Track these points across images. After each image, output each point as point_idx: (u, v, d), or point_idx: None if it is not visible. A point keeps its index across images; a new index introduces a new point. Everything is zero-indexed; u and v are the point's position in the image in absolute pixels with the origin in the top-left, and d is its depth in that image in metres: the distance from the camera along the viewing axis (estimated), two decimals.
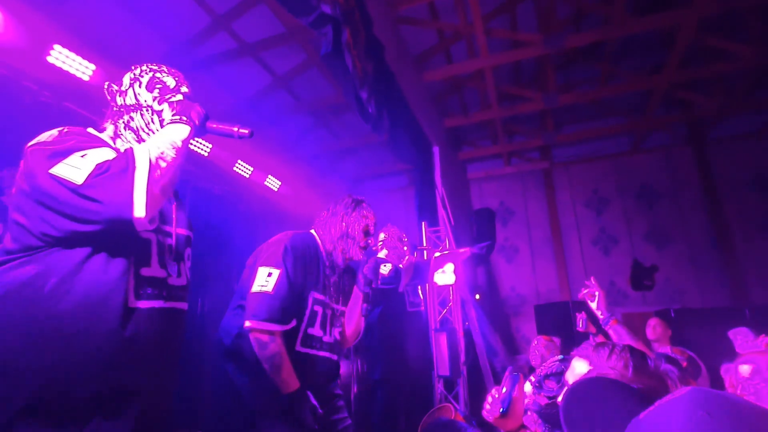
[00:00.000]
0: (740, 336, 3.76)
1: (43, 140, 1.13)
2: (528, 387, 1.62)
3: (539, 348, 4.03)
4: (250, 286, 1.78)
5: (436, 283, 4.96)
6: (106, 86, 1.36)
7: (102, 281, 1.08)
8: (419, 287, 3.94)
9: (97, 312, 1.06)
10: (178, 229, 1.33)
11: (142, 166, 1.07)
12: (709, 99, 6.89)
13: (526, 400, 1.52)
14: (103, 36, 4.15)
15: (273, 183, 5.88)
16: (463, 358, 4.81)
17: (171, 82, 1.38)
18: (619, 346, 1.15)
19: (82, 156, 1.07)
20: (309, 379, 1.78)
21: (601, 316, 2.19)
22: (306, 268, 1.87)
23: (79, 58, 3.39)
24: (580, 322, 3.35)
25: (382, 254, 3.48)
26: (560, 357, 1.78)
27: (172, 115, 1.24)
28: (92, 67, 3.47)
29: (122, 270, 1.12)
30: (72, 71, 3.37)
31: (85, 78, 3.45)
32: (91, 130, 1.30)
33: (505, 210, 8.86)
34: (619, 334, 2.06)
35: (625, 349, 1.14)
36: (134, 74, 1.37)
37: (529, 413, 1.54)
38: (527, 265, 8.51)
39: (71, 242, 1.08)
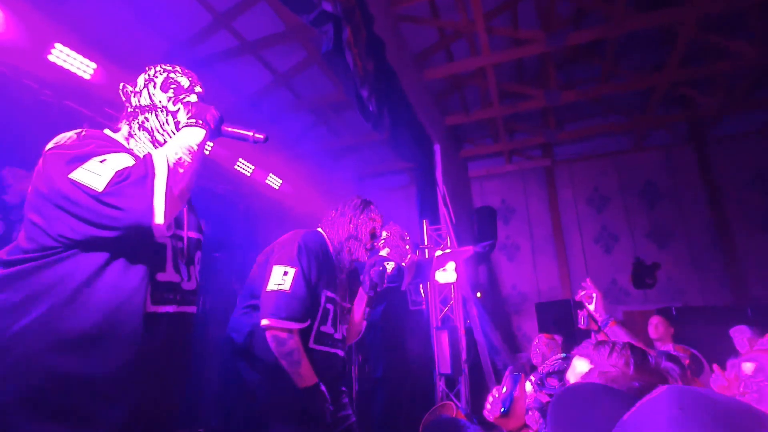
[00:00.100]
0: (738, 334, 3.77)
1: (61, 143, 1.13)
2: (529, 386, 1.63)
3: (540, 346, 4.03)
4: (265, 284, 1.79)
5: (437, 282, 4.96)
6: (121, 87, 1.36)
7: (122, 286, 1.09)
8: (421, 286, 3.94)
9: (117, 317, 1.07)
10: (189, 233, 1.33)
11: (161, 172, 1.07)
12: (710, 97, 6.87)
13: (527, 399, 1.52)
14: (103, 35, 4.14)
15: (274, 181, 5.89)
16: (464, 356, 4.81)
17: (185, 82, 1.38)
18: (619, 344, 1.15)
19: (101, 161, 1.07)
20: (321, 375, 1.80)
21: (600, 318, 2.15)
22: (319, 267, 1.90)
23: (80, 57, 3.39)
24: (582, 319, 3.35)
25: (383, 252, 3.48)
26: (562, 355, 1.79)
27: (188, 118, 1.24)
28: (93, 65, 3.47)
29: (141, 275, 1.13)
30: (73, 70, 3.37)
31: (86, 77, 3.45)
32: (107, 131, 1.30)
33: (507, 208, 8.85)
34: (617, 336, 2.04)
35: (626, 346, 1.14)
36: (148, 75, 1.36)
37: (530, 412, 1.54)
38: (528, 263, 8.51)
39: (89, 246, 1.08)
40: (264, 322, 1.72)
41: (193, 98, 1.35)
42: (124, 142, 1.30)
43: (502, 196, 8.92)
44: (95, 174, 1.04)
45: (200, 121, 1.23)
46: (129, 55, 3.92)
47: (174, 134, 1.31)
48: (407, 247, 3.56)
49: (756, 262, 7.08)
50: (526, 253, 8.57)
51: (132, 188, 1.03)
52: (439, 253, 4.66)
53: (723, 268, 7.27)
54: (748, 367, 1.71)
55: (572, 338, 4.94)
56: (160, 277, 1.19)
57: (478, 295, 7.11)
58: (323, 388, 1.76)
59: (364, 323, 2.20)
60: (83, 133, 1.17)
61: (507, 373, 1.37)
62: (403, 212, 7.67)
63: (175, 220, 1.28)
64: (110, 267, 1.09)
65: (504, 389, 1.33)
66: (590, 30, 5.34)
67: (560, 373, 1.56)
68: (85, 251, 1.08)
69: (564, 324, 5.88)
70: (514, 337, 8.16)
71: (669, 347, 3.64)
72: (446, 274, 4.86)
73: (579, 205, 8.40)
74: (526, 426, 1.33)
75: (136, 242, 1.10)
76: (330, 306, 1.94)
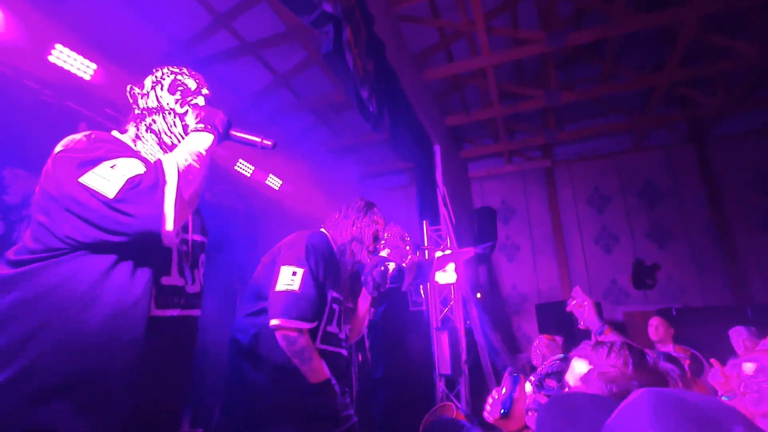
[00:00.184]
0: (735, 335, 3.79)
1: (71, 146, 1.12)
2: (529, 386, 1.62)
3: (541, 347, 4.03)
4: (273, 284, 1.80)
5: (437, 282, 4.96)
6: (128, 89, 1.36)
7: (128, 290, 1.09)
8: (421, 287, 3.94)
9: (122, 321, 1.07)
10: (193, 236, 1.33)
11: (172, 179, 1.07)
12: (710, 97, 6.87)
13: (527, 400, 1.52)
14: (104, 35, 4.14)
15: (274, 182, 5.89)
16: (464, 356, 4.81)
17: (192, 84, 1.38)
18: (617, 344, 1.15)
19: (111, 167, 1.07)
20: (330, 372, 1.82)
21: (594, 327, 2.07)
22: (326, 267, 1.91)
23: (80, 58, 3.39)
24: (581, 320, 3.34)
25: (384, 253, 3.48)
26: (561, 356, 1.78)
27: (196, 123, 1.24)
28: (93, 66, 3.47)
29: (147, 279, 1.13)
30: (73, 70, 3.37)
31: (86, 77, 3.46)
32: (115, 133, 1.30)
33: (507, 208, 8.85)
34: None
35: (624, 346, 1.14)
36: (156, 77, 1.36)
37: (530, 413, 1.54)
38: (529, 263, 8.51)
39: (96, 248, 1.08)
40: (274, 322, 1.73)
41: (201, 100, 1.36)
42: (132, 144, 1.30)
43: (502, 197, 8.92)
44: (106, 179, 1.04)
45: (209, 126, 1.23)
46: (129, 56, 3.92)
47: (181, 136, 1.31)
48: (407, 247, 3.56)
49: (756, 262, 7.07)
50: (526, 253, 8.57)
51: (143, 195, 1.04)
52: (439, 254, 4.66)
53: (723, 268, 7.27)
54: (748, 367, 1.71)
55: (572, 339, 4.94)
56: (165, 281, 1.19)
57: (478, 295, 7.11)
58: (334, 382, 1.79)
59: (366, 323, 2.21)
60: (92, 136, 1.16)
61: (506, 374, 1.37)
62: (403, 212, 7.67)
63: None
64: (116, 270, 1.09)
65: (503, 390, 1.33)
66: (590, 30, 5.34)
67: (558, 374, 1.56)
68: (92, 253, 1.08)
69: (564, 325, 5.88)
70: (514, 338, 8.16)
71: (669, 348, 3.64)
72: (446, 275, 4.86)
73: (579, 206, 8.39)
74: (526, 427, 1.32)
75: (142, 246, 1.10)
76: (336, 306, 1.96)
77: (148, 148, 1.31)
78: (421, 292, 3.95)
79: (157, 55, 5.00)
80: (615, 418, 0.60)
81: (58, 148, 1.13)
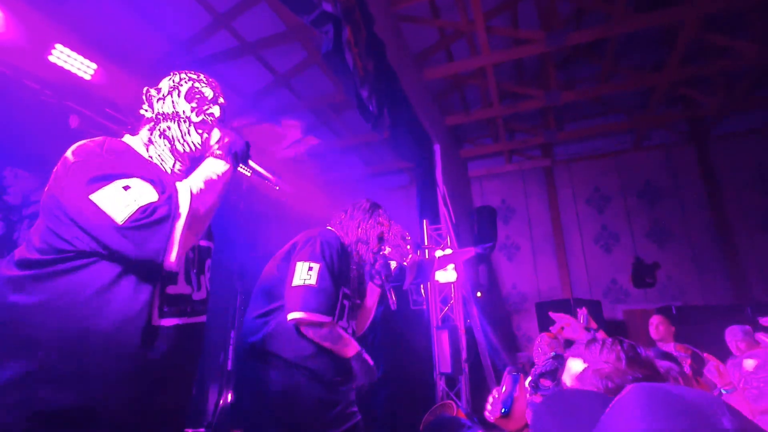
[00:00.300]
0: (730, 336, 3.79)
1: (83, 156, 1.11)
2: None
3: (543, 345, 4.02)
4: (288, 281, 1.81)
5: (437, 281, 4.96)
6: (144, 91, 1.35)
7: (133, 299, 1.09)
8: (421, 286, 3.94)
9: (126, 330, 1.07)
10: (200, 241, 1.33)
11: (184, 211, 1.07)
12: (710, 97, 6.87)
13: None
14: (104, 35, 4.15)
15: None
16: (464, 355, 4.81)
17: (209, 92, 1.37)
18: (609, 340, 1.16)
19: (125, 187, 1.06)
20: (338, 369, 1.84)
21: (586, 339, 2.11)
22: (340, 263, 1.93)
23: (80, 58, 3.39)
24: (581, 318, 3.35)
25: (385, 252, 3.48)
26: (552, 354, 1.79)
27: (217, 148, 1.24)
28: (93, 66, 3.47)
29: (152, 289, 1.13)
30: (73, 70, 3.38)
31: (87, 77, 3.46)
32: (127, 138, 1.29)
33: (507, 208, 8.86)
34: None
35: (616, 341, 1.14)
36: (174, 81, 1.35)
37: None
38: (528, 263, 8.52)
39: (102, 257, 1.09)
40: (294, 315, 1.73)
41: (216, 110, 1.35)
42: (144, 149, 1.29)
43: (502, 196, 8.92)
44: (117, 202, 1.03)
45: (229, 157, 1.24)
46: (129, 56, 3.93)
47: (195, 145, 1.31)
48: (408, 247, 3.56)
49: (756, 261, 7.08)
50: (526, 252, 8.58)
51: (152, 229, 1.03)
52: (440, 253, 4.66)
53: (723, 267, 7.28)
54: (749, 363, 1.72)
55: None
56: (171, 290, 1.19)
57: (479, 294, 7.11)
58: (365, 354, 1.88)
59: (372, 317, 2.25)
60: (105, 144, 1.15)
61: (506, 373, 1.37)
62: (403, 212, 7.67)
63: None
64: (123, 280, 1.09)
65: (504, 389, 1.33)
66: (590, 30, 5.34)
67: (553, 372, 1.57)
68: (100, 260, 1.08)
69: None
70: (513, 337, 8.16)
71: (670, 347, 3.65)
72: (446, 274, 4.87)
73: (579, 205, 8.40)
74: (527, 426, 1.32)
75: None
76: (346, 302, 1.99)
77: (161, 152, 1.30)
78: (422, 291, 3.96)
79: (157, 55, 5.01)
80: (608, 413, 0.61)
81: (69, 155, 1.12)
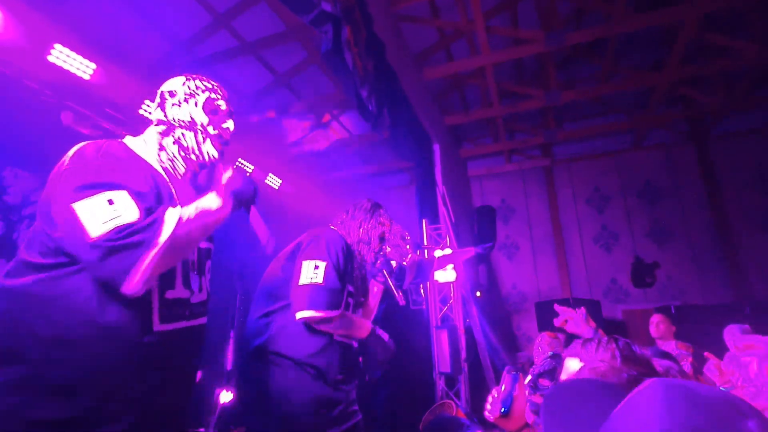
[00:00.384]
0: (728, 335, 3.80)
1: (77, 160, 1.10)
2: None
3: (543, 345, 4.02)
4: (295, 280, 1.82)
5: (437, 281, 4.96)
6: (159, 92, 1.33)
7: (130, 304, 1.08)
8: (421, 286, 3.95)
9: (124, 335, 1.07)
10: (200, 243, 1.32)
11: (161, 243, 1.03)
12: (710, 96, 6.87)
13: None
14: (103, 35, 4.15)
15: (273, 181, 5.89)
16: (464, 355, 4.82)
17: (224, 105, 1.36)
18: (605, 339, 1.16)
19: (109, 201, 1.03)
20: (341, 365, 1.85)
21: (586, 336, 2.08)
22: (345, 261, 1.95)
23: (79, 57, 3.39)
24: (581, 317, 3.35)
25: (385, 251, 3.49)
26: (550, 354, 1.79)
27: (225, 187, 1.22)
28: (93, 66, 3.47)
29: (150, 294, 1.12)
30: (73, 70, 3.38)
31: (86, 77, 3.46)
32: (128, 139, 1.27)
33: (507, 207, 8.86)
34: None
35: (611, 340, 1.15)
36: (190, 88, 1.32)
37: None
38: (528, 262, 8.52)
39: None
40: (302, 314, 1.74)
41: (231, 125, 1.36)
42: (147, 151, 1.26)
43: (502, 196, 8.92)
44: (96, 216, 1.01)
45: (235, 202, 1.23)
46: (129, 56, 3.93)
47: (210, 156, 1.31)
48: (408, 246, 3.56)
49: (756, 261, 7.08)
50: (525, 252, 8.58)
51: (121, 253, 1.00)
52: (439, 253, 4.66)
53: (723, 267, 7.28)
54: (747, 362, 1.72)
55: (574, 336, 4.94)
56: (170, 294, 1.18)
57: (478, 294, 7.11)
58: (379, 330, 1.97)
59: (374, 314, 2.26)
60: (102, 147, 1.13)
61: (505, 372, 1.37)
62: (403, 212, 7.67)
63: None
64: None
65: (503, 389, 1.33)
66: (590, 30, 5.33)
67: (551, 372, 1.56)
68: None
69: None
70: (513, 337, 8.17)
71: (671, 345, 3.65)
72: (446, 274, 4.87)
73: (579, 205, 8.40)
74: (527, 425, 1.32)
75: None
76: (351, 300, 2.00)
77: (172, 158, 1.29)
78: (421, 291, 3.96)
79: (156, 55, 5.01)
80: (624, 406, 0.60)
81: (66, 159, 1.11)
